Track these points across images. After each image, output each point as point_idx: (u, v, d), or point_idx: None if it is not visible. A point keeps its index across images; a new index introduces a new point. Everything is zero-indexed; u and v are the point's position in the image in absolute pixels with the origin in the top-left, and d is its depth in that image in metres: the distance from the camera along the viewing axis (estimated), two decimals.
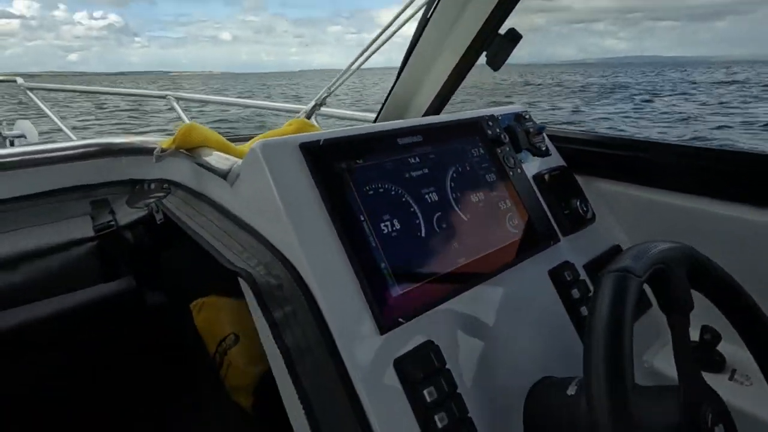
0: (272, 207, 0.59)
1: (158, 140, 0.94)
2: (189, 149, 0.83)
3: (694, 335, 0.86)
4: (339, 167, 0.63)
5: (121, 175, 1.01)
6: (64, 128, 2.67)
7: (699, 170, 0.90)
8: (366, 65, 1.31)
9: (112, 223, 0.95)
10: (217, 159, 0.75)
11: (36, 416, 0.98)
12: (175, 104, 2.58)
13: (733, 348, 0.83)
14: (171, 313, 1.14)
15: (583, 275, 0.83)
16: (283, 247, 0.60)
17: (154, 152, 0.83)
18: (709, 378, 0.83)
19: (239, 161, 0.69)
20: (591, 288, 0.82)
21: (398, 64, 1.13)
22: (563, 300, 0.77)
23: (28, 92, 2.87)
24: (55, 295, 0.87)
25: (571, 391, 0.60)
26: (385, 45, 1.35)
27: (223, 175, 0.70)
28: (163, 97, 2.67)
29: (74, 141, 0.98)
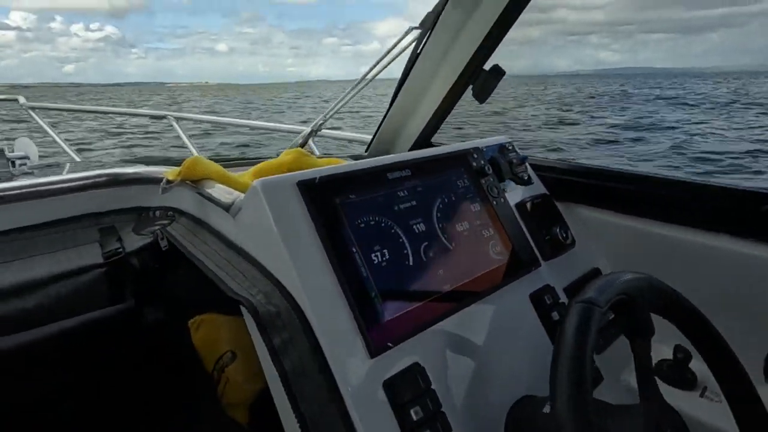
0: (272, 240, 0.64)
1: (164, 170, 1.00)
2: (193, 181, 0.88)
3: (668, 353, 0.92)
4: (333, 202, 0.69)
5: (127, 203, 1.06)
6: (66, 148, 2.71)
7: (674, 200, 0.96)
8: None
9: (120, 250, 1.00)
10: (219, 192, 0.80)
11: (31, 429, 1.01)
12: (175, 124, 2.60)
13: (704, 366, 0.88)
14: (170, 331, 1.18)
15: (563, 298, 0.88)
16: (282, 276, 0.65)
17: (161, 184, 0.88)
18: (681, 395, 0.89)
19: (241, 195, 0.74)
20: None
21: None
22: (543, 322, 0.82)
23: (30, 112, 2.91)
24: (66, 318, 0.91)
25: (547, 409, 0.65)
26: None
27: (226, 207, 0.76)
28: (163, 117, 2.70)
29: (85, 172, 1.03)
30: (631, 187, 1.02)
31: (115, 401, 1.12)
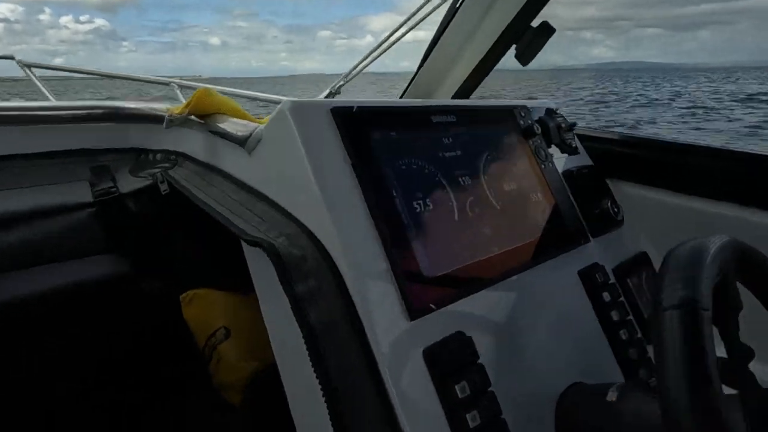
0: (299, 174, 0.54)
1: (168, 107, 0.88)
2: (202, 116, 0.77)
3: (721, 352, 0.82)
4: (372, 137, 0.58)
5: (125, 143, 0.95)
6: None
7: (729, 175, 0.86)
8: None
9: (113, 189, 0.89)
10: (233, 125, 0.69)
11: (14, 403, 0.91)
12: (178, 92, 2.52)
13: (761, 366, 0.78)
14: (162, 304, 1.08)
15: (612, 279, 0.78)
16: (308, 218, 0.54)
17: (166, 117, 0.77)
18: None
19: (261, 126, 0.63)
20: (621, 293, 0.77)
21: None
22: (593, 303, 0.72)
23: (26, 69, 2.80)
24: (55, 259, 0.80)
25: (611, 397, 0.55)
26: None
27: (242, 141, 0.65)
28: (167, 84, 2.60)
29: (80, 102, 0.92)
30: (681, 161, 0.92)
31: (102, 375, 1.03)
